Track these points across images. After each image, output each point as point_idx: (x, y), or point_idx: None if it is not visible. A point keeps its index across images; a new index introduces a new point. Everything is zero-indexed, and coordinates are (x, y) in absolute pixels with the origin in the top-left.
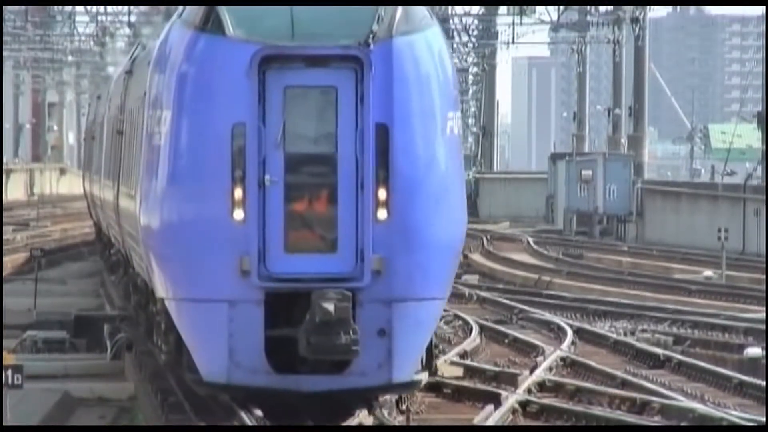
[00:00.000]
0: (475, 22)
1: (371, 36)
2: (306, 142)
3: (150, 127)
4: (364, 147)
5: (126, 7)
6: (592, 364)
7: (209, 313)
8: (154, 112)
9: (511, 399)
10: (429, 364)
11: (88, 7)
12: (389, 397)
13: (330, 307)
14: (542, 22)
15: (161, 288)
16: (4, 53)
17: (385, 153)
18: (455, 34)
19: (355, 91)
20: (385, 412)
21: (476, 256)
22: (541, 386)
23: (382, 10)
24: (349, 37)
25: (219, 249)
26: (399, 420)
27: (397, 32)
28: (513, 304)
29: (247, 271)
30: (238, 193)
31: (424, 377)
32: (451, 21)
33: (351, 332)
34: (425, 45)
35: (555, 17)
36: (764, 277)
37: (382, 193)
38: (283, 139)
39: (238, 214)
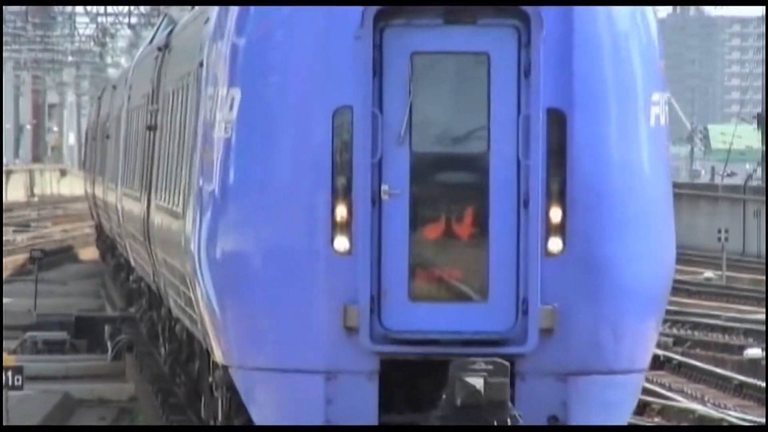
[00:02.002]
0: None
1: None
2: (442, 136)
3: (207, 117)
4: (529, 144)
5: (126, 8)
6: None
7: (297, 390)
8: (214, 95)
9: None
10: None
11: (88, 8)
12: None
13: (478, 383)
14: None
15: (221, 350)
16: (5, 54)
17: (561, 153)
18: None
19: (516, 60)
20: None
21: None
22: None
23: None
24: None
25: (311, 294)
26: None
27: None
28: None
29: (354, 327)
30: (341, 211)
31: None
32: None
33: (508, 419)
34: None
35: None
36: (764, 278)
37: (555, 213)
38: (408, 131)
39: (341, 243)
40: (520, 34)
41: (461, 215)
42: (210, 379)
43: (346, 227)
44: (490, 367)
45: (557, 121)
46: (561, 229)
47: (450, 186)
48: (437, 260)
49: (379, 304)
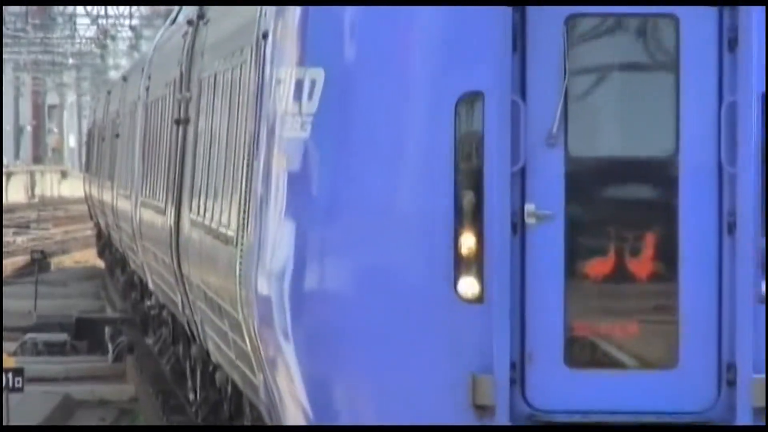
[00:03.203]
0: None
1: None
2: (611, 134)
3: (274, 108)
4: (736, 144)
5: (127, 10)
6: None
7: None
8: (284, 79)
9: None
10: None
11: (89, 9)
12: None
13: None
14: None
15: (295, 419)
16: (5, 55)
17: None
18: None
19: (717, 27)
20: None
21: None
22: None
23: None
24: None
25: (427, 357)
26: None
27: None
28: None
29: (487, 406)
30: (468, 241)
31: None
32: None
33: None
34: None
35: None
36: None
37: None
38: (564, 127)
39: (468, 287)
40: None
41: (639, 246)
42: None
43: (475, 264)
44: None
45: None
46: None
47: (622, 204)
48: (605, 310)
49: (523, 372)
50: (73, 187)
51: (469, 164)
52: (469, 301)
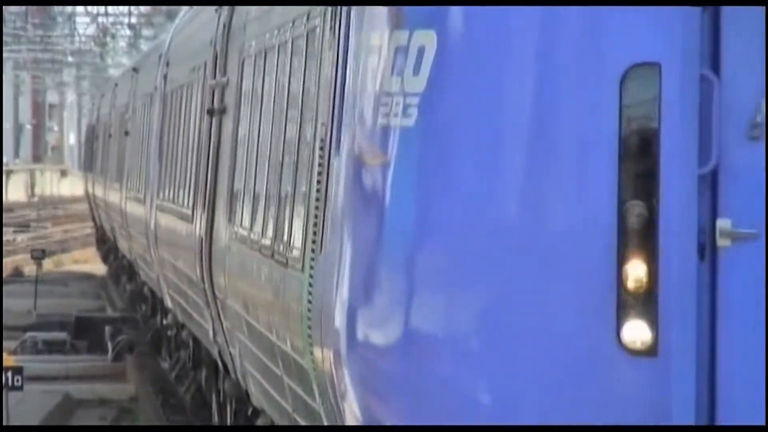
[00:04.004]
0: None
1: None
2: None
3: (360, 87)
4: None
5: (126, 9)
6: None
7: None
8: (377, 47)
9: None
10: None
11: (89, 8)
12: None
13: None
14: None
15: None
16: (5, 54)
17: None
18: None
19: None
20: None
21: None
22: None
23: None
24: None
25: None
26: None
27: None
28: None
29: None
30: (637, 270)
31: None
32: None
33: None
34: None
35: None
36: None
37: None
38: None
39: (637, 333)
40: None
41: None
42: None
43: (646, 301)
44: None
45: None
46: None
47: None
48: None
49: None
50: (73, 186)
51: (637, 164)
52: (638, 353)
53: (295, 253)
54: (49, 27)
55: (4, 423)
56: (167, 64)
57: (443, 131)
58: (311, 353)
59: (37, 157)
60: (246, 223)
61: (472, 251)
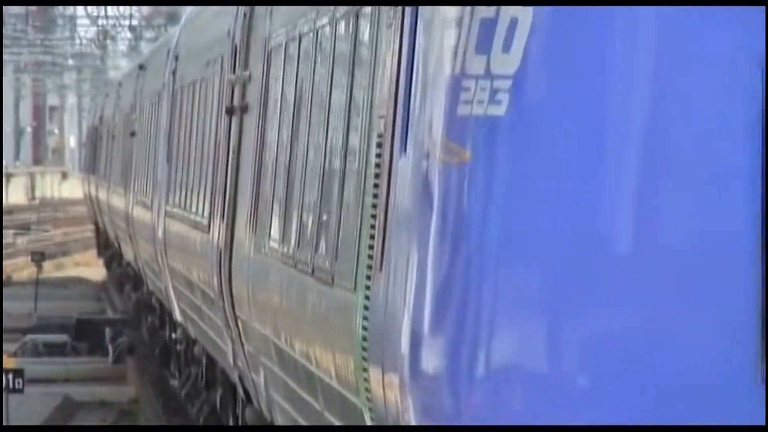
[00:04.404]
0: None
1: None
2: None
3: (426, 69)
4: None
5: (127, 11)
6: None
7: None
8: (460, 17)
9: None
10: None
11: (89, 11)
12: None
13: None
14: None
15: None
16: (5, 57)
17: None
18: None
19: None
20: None
21: None
22: None
23: None
24: None
25: None
26: None
27: None
28: None
29: None
30: None
31: None
32: None
33: None
34: None
35: None
36: None
37: None
38: None
39: None
40: None
41: None
42: None
43: None
44: None
45: None
46: None
47: None
48: None
49: None
50: (74, 189)
51: None
52: None
53: (344, 269)
54: (50, 30)
55: (5, 425)
56: (176, 59)
57: (540, 122)
58: (366, 388)
59: (37, 160)
60: (275, 234)
61: (576, 270)
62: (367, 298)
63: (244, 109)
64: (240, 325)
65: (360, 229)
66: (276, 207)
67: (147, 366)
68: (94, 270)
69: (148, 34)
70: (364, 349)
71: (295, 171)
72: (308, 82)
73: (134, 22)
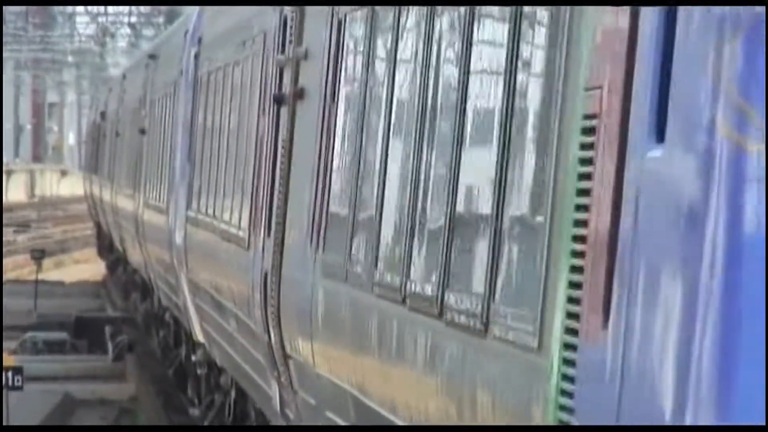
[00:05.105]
0: None
1: None
2: None
3: None
4: None
5: (126, 8)
6: None
7: None
8: None
9: None
10: None
11: (89, 8)
12: None
13: None
14: None
15: None
16: (5, 54)
17: None
18: None
19: None
20: None
21: None
22: None
23: None
24: None
25: None
26: None
27: None
28: None
29: None
30: None
31: None
32: None
33: None
34: None
35: None
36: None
37: None
38: None
39: None
40: None
41: None
42: None
43: None
44: None
45: None
46: None
47: None
48: None
49: None
50: (73, 186)
51: None
52: None
53: (512, 319)
54: (50, 27)
55: (4, 423)
56: (199, 42)
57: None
58: None
59: (37, 157)
60: (361, 255)
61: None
62: (568, 363)
63: (299, 95)
64: (291, 368)
65: (546, 261)
66: (360, 221)
67: (147, 363)
68: (94, 267)
69: (148, 31)
70: None
71: (375, 172)
72: (383, 63)
73: (134, 19)
